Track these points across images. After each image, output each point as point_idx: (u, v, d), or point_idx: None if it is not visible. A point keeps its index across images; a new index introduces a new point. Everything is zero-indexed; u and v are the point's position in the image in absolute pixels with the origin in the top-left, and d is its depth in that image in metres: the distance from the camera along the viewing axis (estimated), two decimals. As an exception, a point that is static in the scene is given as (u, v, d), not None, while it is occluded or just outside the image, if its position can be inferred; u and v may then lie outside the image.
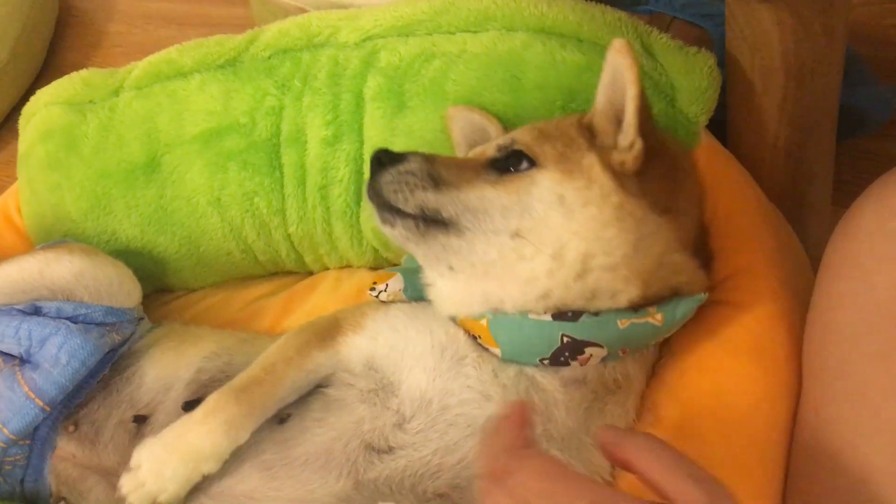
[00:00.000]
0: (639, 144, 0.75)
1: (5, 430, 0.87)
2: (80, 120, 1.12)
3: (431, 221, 0.76)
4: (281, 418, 0.82)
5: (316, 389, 0.84)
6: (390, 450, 0.76)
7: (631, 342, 0.76)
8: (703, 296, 0.77)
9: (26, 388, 0.88)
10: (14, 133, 1.81)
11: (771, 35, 0.82)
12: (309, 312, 1.08)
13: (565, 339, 0.74)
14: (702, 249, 0.83)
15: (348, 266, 1.14)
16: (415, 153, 0.78)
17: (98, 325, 0.94)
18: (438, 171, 0.77)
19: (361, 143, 0.99)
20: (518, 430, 0.59)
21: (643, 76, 0.83)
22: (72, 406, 0.93)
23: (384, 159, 0.78)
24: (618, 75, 0.75)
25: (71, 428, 0.91)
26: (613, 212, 0.73)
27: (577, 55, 0.85)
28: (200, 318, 1.14)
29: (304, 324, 0.90)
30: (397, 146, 0.95)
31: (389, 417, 0.77)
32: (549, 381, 0.77)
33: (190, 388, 0.88)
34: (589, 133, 0.79)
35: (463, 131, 0.89)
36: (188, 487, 0.78)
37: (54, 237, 1.13)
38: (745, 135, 0.95)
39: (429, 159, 0.78)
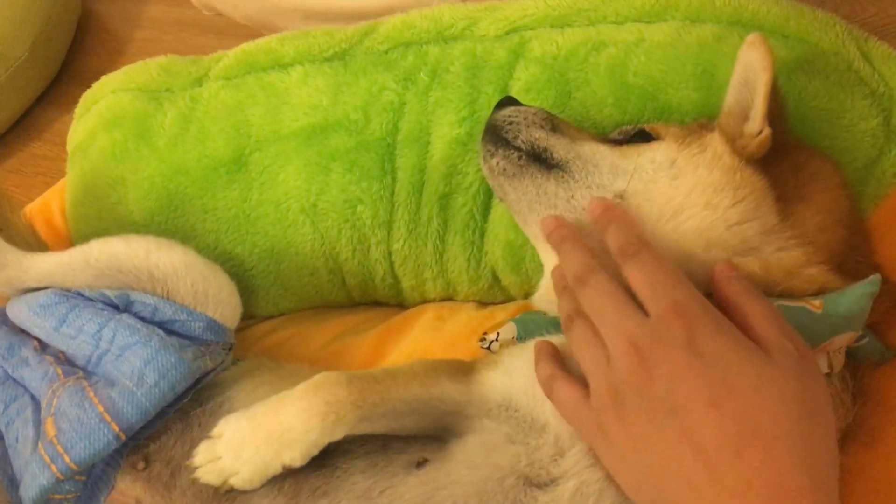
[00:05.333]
0: (766, 132, 0.74)
1: (66, 458, 0.78)
2: (156, 109, 1.06)
3: (535, 159, 0.80)
4: (417, 462, 0.75)
5: (450, 437, 0.77)
6: (553, 481, 0.70)
7: None
8: (875, 278, 0.69)
9: (101, 408, 0.79)
10: (25, 139, 1.75)
11: None
12: (408, 354, 1.01)
13: None
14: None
15: (450, 298, 1.07)
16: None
17: (193, 341, 0.86)
18: (558, 122, 0.83)
19: (501, 143, 0.94)
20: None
21: (858, 82, 0.81)
22: (141, 438, 0.84)
23: (507, 101, 0.84)
24: (750, 71, 0.76)
25: (141, 465, 0.82)
26: (724, 174, 0.72)
27: (783, 51, 0.83)
28: (271, 355, 1.04)
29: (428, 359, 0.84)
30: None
31: (547, 451, 0.71)
32: None
33: None
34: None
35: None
36: (264, 477, 0.74)
37: (107, 243, 1.04)
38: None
39: (551, 113, 0.83)
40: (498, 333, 0.87)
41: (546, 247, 0.80)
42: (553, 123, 0.82)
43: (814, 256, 0.71)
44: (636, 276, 0.65)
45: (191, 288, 0.88)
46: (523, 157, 0.80)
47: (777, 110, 0.77)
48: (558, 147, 0.80)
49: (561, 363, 0.70)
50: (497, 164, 0.82)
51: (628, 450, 0.61)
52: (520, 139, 0.81)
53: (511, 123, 0.82)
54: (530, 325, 0.85)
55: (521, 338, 0.83)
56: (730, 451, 0.55)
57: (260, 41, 1.07)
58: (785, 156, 0.76)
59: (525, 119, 0.82)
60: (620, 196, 0.75)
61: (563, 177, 0.78)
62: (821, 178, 0.77)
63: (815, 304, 0.69)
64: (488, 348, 0.86)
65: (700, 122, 0.82)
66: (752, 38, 0.75)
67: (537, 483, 0.70)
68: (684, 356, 0.58)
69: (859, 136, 0.82)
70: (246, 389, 0.87)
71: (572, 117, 0.90)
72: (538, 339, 0.76)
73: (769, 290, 0.69)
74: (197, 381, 0.86)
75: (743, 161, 0.73)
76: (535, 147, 0.80)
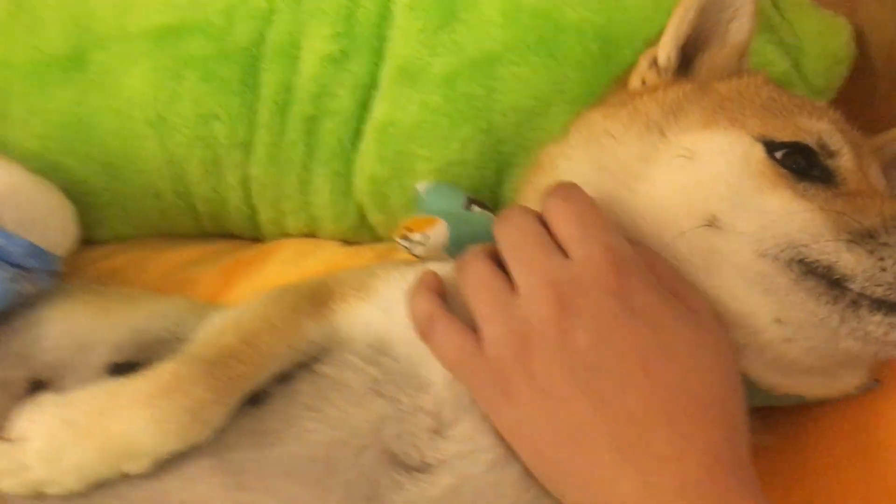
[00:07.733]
0: None
1: None
2: (-22, -12, 0.92)
3: None
4: (255, 397, 0.64)
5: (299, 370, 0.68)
6: (426, 467, 0.60)
7: None
8: None
9: None
10: None
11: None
12: (260, 290, 0.90)
13: None
14: None
15: (312, 235, 1.00)
16: None
17: (13, 266, 0.75)
18: None
19: (377, 64, 0.88)
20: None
21: (767, 28, 0.79)
22: None
23: None
24: None
25: None
26: None
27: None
28: (103, 283, 0.93)
29: (282, 286, 0.74)
30: (436, 67, 0.85)
31: (422, 419, 0.62)
32: None
33: (123, 351, 0.70)
34: None
35: None
36: (95, 485, 0.60)
37: None
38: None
39: None
40: (429, 236, 0.68)
41: None
42: None
43: None
44: (563, 212, 0.58)
45: (12, 212, 0.77)
46: None
47: None
48: None
49: (445, 302, 0.62)
50: None
51: (534, 409, 0.54)
52: None
53: None
54: (464, 231, 0.69)
55: (452, 251, 0.68)
56: (661, 416, 0.51)
57: (111, -75, 0.95)
58: None
59: None
60: None
61: None
62: None
63: None
64: (412, 250, 0.69)
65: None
66: None
67: (405, 465, 0.60)
68: (614, 307, 0.53)
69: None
70: (62, 309, 0.77)
71: (457, 41, 0.84)
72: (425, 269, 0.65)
73: None
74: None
75: None
76: None
